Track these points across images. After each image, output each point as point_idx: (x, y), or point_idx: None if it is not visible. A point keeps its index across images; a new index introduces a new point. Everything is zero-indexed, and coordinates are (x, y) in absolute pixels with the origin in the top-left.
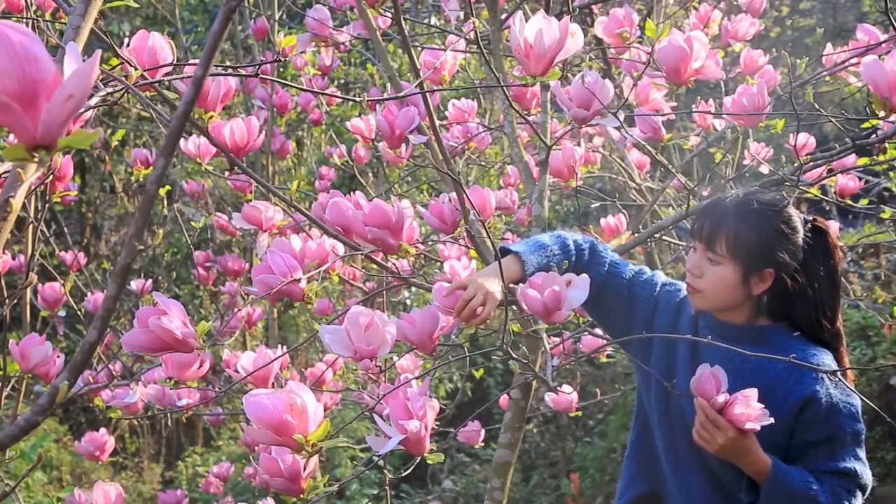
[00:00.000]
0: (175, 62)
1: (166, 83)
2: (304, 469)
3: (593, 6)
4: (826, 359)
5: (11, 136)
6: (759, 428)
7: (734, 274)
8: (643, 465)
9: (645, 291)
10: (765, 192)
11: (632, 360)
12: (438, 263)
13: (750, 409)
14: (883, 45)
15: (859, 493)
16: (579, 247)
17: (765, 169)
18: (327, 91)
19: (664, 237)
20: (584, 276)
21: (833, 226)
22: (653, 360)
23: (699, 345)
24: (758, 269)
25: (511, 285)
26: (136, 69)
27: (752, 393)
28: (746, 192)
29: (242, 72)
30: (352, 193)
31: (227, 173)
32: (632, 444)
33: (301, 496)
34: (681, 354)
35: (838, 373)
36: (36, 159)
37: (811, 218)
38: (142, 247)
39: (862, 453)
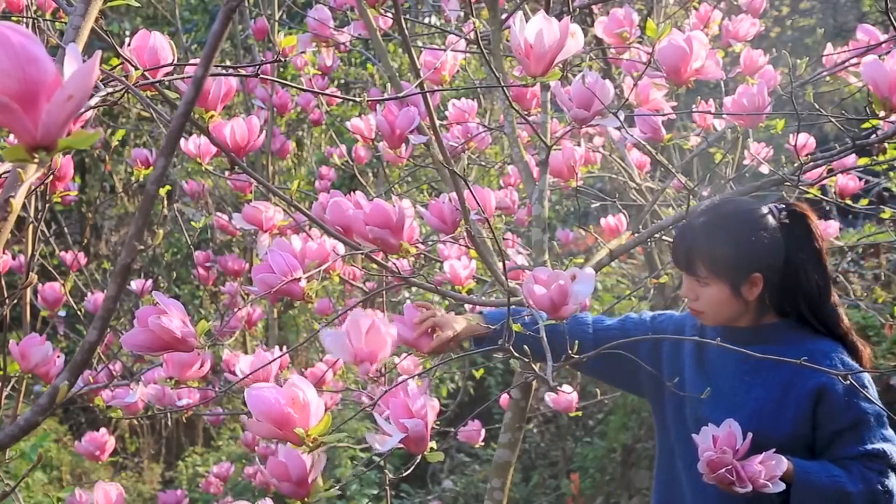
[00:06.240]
0: (175, 62)
1: (167, 83)
2: (310, 473)
3: (593, 6)
4: (836, 350)
5: (11, 137)
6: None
7: (724, 291)
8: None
9: (639, 331)
10: (728, 202)
11: (647, 394)
12: (438, 263)
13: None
14: (883, 45)
15: (892, 473)
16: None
17: (765, 169)
18: (327, 91)
19: (664, 237)
20: (589, 269)
21: (833, 225)
22: (665, 379)
23: (705, 352)
24: (744, 278)
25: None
26: (136, 69)
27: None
28: (709, 206)
29: (242, 72)
30: (352, 193)
31: (227, 173)
32: (654, 488)
33: (306, 499)
34: (688, 365)
35: (847, 356)
36: (36, 160)
37: (784, 206)
38: (142, 247)
39: (889, 433)
